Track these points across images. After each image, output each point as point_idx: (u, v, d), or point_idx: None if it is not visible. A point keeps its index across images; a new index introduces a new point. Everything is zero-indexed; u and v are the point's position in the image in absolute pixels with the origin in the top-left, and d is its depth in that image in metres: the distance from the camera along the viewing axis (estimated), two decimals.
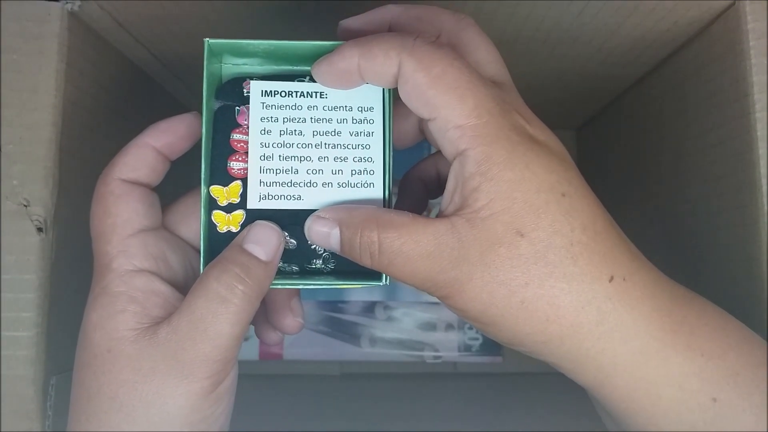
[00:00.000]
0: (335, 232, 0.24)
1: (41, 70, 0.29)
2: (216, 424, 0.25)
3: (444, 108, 0.23)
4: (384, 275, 0.25)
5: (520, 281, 0.23)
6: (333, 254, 0.26)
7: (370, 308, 0.55)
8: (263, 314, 0.31)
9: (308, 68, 0.26)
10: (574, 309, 0.23)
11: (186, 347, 0.24)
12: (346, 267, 0.26)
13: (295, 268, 0.27)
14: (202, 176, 0.26)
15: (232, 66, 0.27)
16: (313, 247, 0.26)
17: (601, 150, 0.52)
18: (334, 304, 0.55)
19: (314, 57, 0.25)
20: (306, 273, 0.27)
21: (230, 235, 0.26)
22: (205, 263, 0.25)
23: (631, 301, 0.23)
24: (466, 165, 0.23)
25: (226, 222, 0.26)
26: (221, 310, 0.23)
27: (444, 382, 0.55)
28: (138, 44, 0.36)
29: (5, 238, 0.28)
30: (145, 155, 0.26)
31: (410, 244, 0.23)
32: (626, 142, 0.47)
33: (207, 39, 0.25)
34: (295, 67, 0.27)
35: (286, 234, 0.26)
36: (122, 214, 0.26)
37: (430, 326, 0.54)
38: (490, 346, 0.54)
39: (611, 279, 0.23)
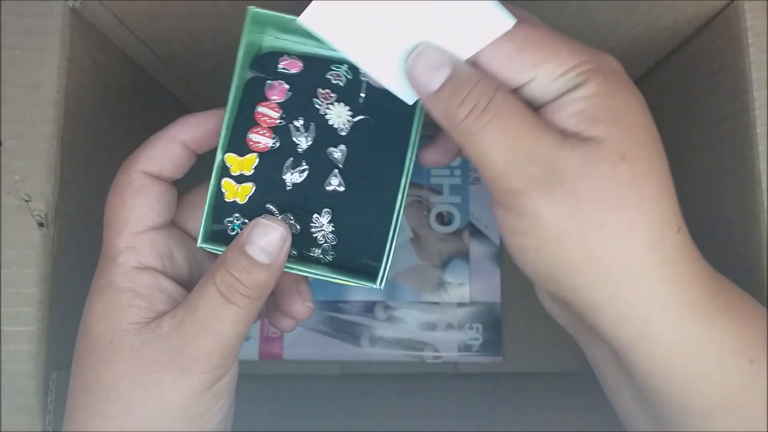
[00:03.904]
0: (446, 69, 0.23)
1: (43, 66, 0.29)
2: (214, 420, 0.26)
3: (543, 63, 0.22)
4: (380, 276, 0.25)
5: (610, 202, 0.22)
6: (332, 246, 0.26)
7: (370, 308, 0.55)
8: (273, 302, 0.31)
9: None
10: (645, 247, 0.23)
11: (188, 342, 0.24)
12: (343, 262, 0.26)
13: (293, 252, 0.27)
14: (220, 142, 0.26)
15: (274, 39, 0.27)
16: (314, 235, 0.26)
17: None
18: (334, 303, 0.55)
19: None
20: (303, 259, 0.27)
21: (234, 206, 0.26)
22: (205, 229, 0.26)
23: (686, 255, 0.24)
24: (575, 94, 0.22)
25: (233, 192, 0.26)
26: (223, 310, 0.24)
27: (444, 382, 0.54)
28: (139, 42, 0.36)
29: (7, 234, 0.28)
30: (172, 149, 0.26)
31: (519, 115, 0.22)
32: None
33: (251, 7, 0.25)
34: (333, 53, 0.27)
35: (291, 218, 0.26)
36: (137, 209, 0.26)
37: (431, 326, 0.54)
38: (491, 346, 0.54)
39: (678, 230, 0.24)
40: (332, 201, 0.26)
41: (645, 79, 0.42)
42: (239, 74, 0.26)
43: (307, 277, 0.31)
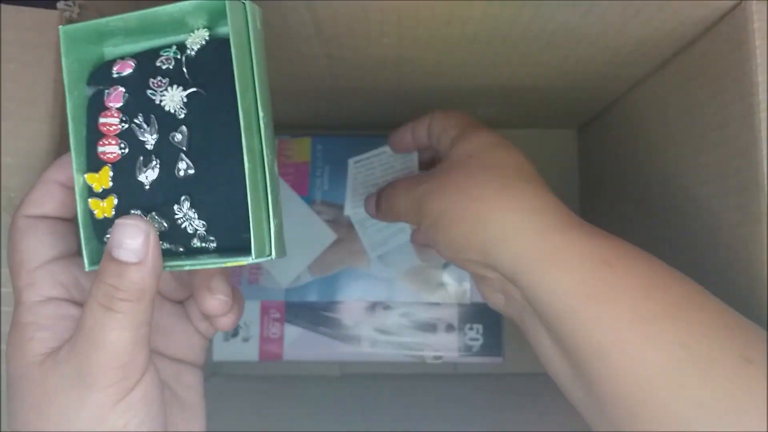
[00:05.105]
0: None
1: (39, 80, 0.28)
2: None
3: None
4: (253, 248, 0.24)
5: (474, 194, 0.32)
6: (207, 229, 0.25)
7: (370, 309, 0.54)
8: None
9: (179, 36, 0.26)
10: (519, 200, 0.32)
11: (82, 361, 0.24)
12: (227, 244, 0.26)
13: (180, 248, 0.26)
14: (74, 165, 0.25)
15: (113, 48, 0.27)
16: (182, 226, 0.25)
17: (604, 149, 0.52)
18: (333, 304, 0.54)
19: (178, 23, 0.25)
20: (192, 252, 0.26)
21: (107, 222, 0.25)
22: (90, 252, 0.25)
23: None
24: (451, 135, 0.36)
25: (101, 209, 0.25)
26: (106, 320, 0.24)
27: (444, 383, 0.55)
28: None
29: (4, 252, 0.28)
30: (50, 190, 0.26)
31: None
32: (629, 141, 0.47)
33: (60, 26, 0.25)
34: (166, 37, 0.26)
35: (156, 216, 0.25)
36: (27, 249, 0.26)
37: (431, 327, 0.54)
38: (491, 347, 0.54)
39: (527, 182, 0.33)
40: (187, 187, 0.25)
41: (649, 79, 0.42)
42: (71, 94, 0.25)
43: (223, 271, 0.29)
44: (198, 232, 0.25)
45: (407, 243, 0.54)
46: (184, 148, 0.25)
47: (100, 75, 0.26)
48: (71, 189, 0.26)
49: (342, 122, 0.55)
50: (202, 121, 0.25)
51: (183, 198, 0.25)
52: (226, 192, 0.25)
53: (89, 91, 0.26)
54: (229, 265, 0.25)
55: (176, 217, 0.25)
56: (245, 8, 0.25)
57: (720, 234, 0.33)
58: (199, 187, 0.25)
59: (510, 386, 0.53)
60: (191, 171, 0.25)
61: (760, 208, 0.29)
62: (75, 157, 0.25)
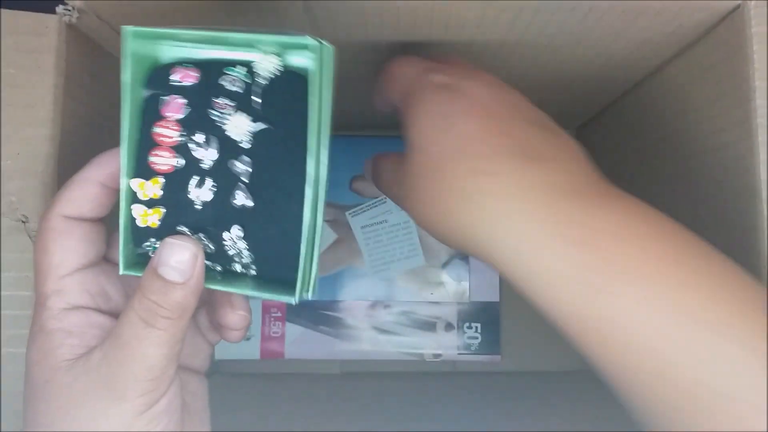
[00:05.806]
0: None
1: (39, 85, 0.28)
2: None
3: None
4: (297, 289, 0.25)
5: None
6: (253, 260, 0.25)
7: (370, 308, 0.55)
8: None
9: (245, 54, 0.24)
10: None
11: (116, 370, 0.24)
12: (267, 275, 0.26)
13: (218, 267, 0.26)
14: (123, 168, 0.25)
15: (170, 48, 0.25)
16: (229, 253, 0.25)
17: (602, 149, 0.52)
18: (333, 303, 0.55)
19: (248, 44, 0.24)
20: (229, 274, 0.26)
21: (149, 231, 0.25)
22: (126, 257, 0.25)
23: None
24: None
25: (145, 218, 0.25)
26: (145, 335, 0.24)
27: (443, 381, 0.55)
28: None
29: (4, 255, 0.28)
30: (89, 190, 0.26)
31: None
32: (627, 142, 0.47)
33: (128, 26, 0.24)
34: (232, 51, 0.25)
35: (204, 238, 0.25)
36: (60, 254, 0.25)
37: (430, 325, 0.54)
38: (489, 345, 0.54)
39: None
40: (242, 217, 0.25)
41: (647, 82, 0.42)
42: (131, 95, 0.24)
43: None
44: (243, 261, 0.25)
45: (412, 268, 0.55)
46: (246, 180, 0.25)
47: (158, 79, 0.25)
48: (109, 189, 0.26)
49: (341, 122, 0.55)
50: (267, 157, 0.24)
51: (236, 227, 0.25)
52: (281, 230, 0.25)
53: (145, 94, 0.25)
54: (265, 296, 0.25)
55: (224, 243, 0.25)
56: (328, 52, 0.24)
57: (717, 239, 0.33)
58: (255, 221, 0.25)
59: (508, 384, 0.54)
60: (249, 203, 0.25)
61: (757, 214, 0.29)
62: (126, 160, 0.25)
